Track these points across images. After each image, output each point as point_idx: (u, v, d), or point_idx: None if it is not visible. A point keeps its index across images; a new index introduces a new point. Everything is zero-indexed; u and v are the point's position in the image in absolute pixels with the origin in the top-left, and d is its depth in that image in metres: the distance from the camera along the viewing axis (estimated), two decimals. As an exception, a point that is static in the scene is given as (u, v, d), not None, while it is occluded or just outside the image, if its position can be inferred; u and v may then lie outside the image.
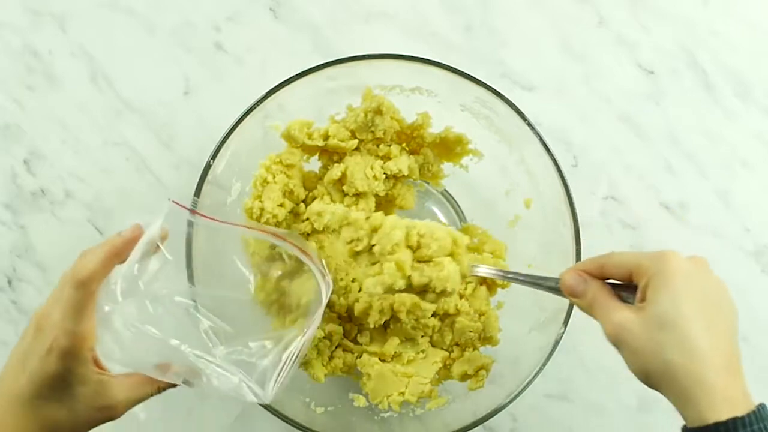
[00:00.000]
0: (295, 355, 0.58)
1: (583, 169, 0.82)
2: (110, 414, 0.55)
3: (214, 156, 0.67)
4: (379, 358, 0.71)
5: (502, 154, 0.74)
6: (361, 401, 0.72)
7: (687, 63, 0.83)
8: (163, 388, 0.57)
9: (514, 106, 0.68)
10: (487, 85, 0.68)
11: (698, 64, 0.83)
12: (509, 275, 0.62)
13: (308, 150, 0.72)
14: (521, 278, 0.61)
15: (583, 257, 0.67)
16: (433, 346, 0.74)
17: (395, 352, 0.72)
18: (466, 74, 0.68)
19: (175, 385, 0.56)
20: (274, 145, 0.71)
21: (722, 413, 0.48)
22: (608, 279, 0.56)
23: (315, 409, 0.71)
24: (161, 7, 0.82)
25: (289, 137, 0.71)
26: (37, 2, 0.82)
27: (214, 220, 0.63)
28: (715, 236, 0.81)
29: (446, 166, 0.76)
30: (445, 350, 0.73)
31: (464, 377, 0.71)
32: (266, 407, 0.64)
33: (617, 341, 0.53)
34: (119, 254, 0.55)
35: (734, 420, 0.47)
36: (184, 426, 0.78)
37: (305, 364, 0.70)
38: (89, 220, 0.81)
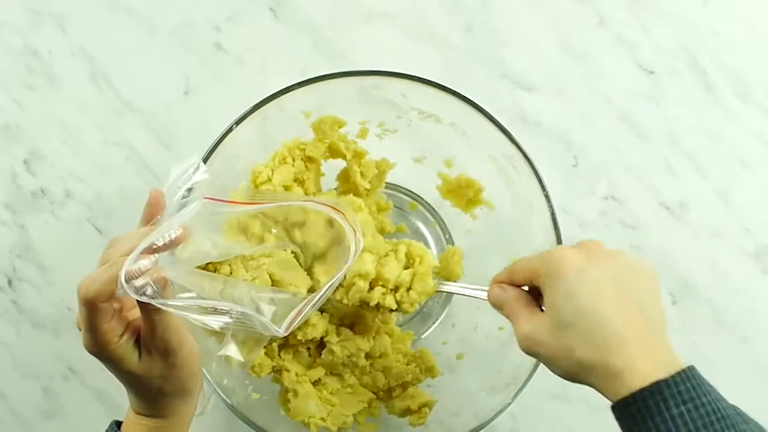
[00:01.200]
0: (313, 302, 0.61)
1: (583, 169, 0.82)
2: (174, 360, 0.55)
3: (206, 158, 0.66)
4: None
5: (512, 217, 0.74)
6: None
7: (687, 63, 0.83)
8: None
9: (538, 174, 0.67)
10: (521, 147, 0.67)
11: (698, 64, 0.83)
12: (447, 287, 0.64)
13: (334, 152, 0.72)
14: (456, 290, 0.63)
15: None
16: (363, 385, 0.73)
17: (318, 379, 0.71)
18: (504, 128, 0.67)
19: None
20: (273, 147, 0.71)
21: (646, 380, 0.47)
22: (521, 286, 0.56)
23: (252, 395, 0.71)
24: (161, 7, 0.82)
25: (318, 129, 0.70)
26: (37, 2, 0.82)
27: (259, 204, 0.64)
28: (715, 236, 0.81)
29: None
30: (375, 393, 0.72)
31: (405, 413, 0.71)
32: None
33: (529, 352, 0.53)
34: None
35: (657, 383, 0.46)
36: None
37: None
38: (89, 220, 0.81)
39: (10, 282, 0.80)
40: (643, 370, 0.47)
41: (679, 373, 0.47)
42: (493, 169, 0.72)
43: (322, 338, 0.70)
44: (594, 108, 0.82)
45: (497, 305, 0.56)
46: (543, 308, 0.53)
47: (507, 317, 0.55)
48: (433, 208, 0.80)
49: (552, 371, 0.52)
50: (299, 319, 0.60)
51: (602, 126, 0.82)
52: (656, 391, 0.46)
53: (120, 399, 0.80)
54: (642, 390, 0.46)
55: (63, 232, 0.81)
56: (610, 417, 0.82)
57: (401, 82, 0.67)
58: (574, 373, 0.51)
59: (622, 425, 0.48)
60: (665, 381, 0.46)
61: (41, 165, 0.81)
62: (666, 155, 0.82)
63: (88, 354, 0.54)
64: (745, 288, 0.81)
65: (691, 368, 0.48)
